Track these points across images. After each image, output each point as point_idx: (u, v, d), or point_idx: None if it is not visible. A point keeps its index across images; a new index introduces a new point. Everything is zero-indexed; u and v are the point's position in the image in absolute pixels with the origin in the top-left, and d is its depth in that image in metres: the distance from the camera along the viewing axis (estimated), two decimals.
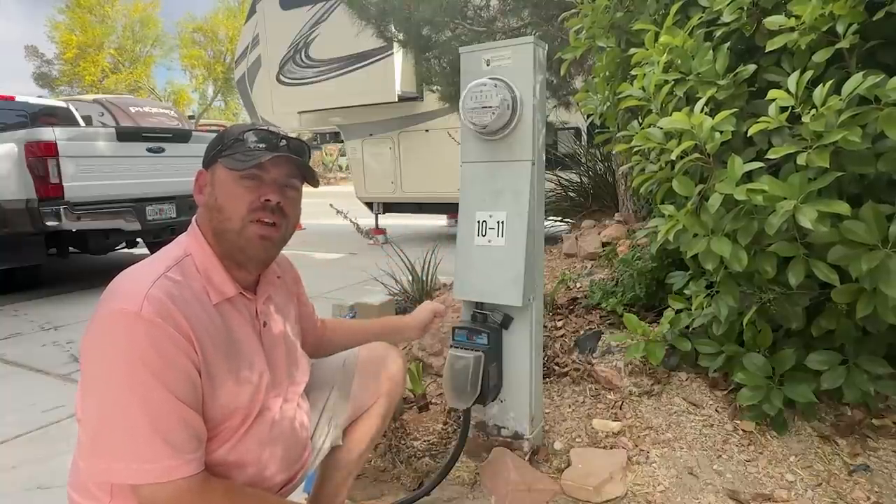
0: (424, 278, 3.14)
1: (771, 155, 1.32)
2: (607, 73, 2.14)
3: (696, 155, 1.45)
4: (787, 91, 1.31)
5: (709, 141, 1.40)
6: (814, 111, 1.24)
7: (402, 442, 1.87)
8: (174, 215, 5.09)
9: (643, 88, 1.66)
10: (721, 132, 1.41)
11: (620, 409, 1.89)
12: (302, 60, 7.15)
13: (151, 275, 0.94)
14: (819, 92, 1.24)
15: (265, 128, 1.07)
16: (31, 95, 6.58)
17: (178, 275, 0.97)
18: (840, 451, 1.62)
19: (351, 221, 3.43)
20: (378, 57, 6.36)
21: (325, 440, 1.32)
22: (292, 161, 1.05)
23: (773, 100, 1.33)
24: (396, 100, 6.51)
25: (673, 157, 1.47)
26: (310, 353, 1.34)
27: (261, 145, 1.03)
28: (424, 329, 1.62)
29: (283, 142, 1.06)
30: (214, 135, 1.13)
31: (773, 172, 1.39)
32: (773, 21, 1.38)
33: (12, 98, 5.73)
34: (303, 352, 1.26)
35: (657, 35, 1.65)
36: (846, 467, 1.57)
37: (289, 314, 1.23)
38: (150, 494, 0.87)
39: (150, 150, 4.93)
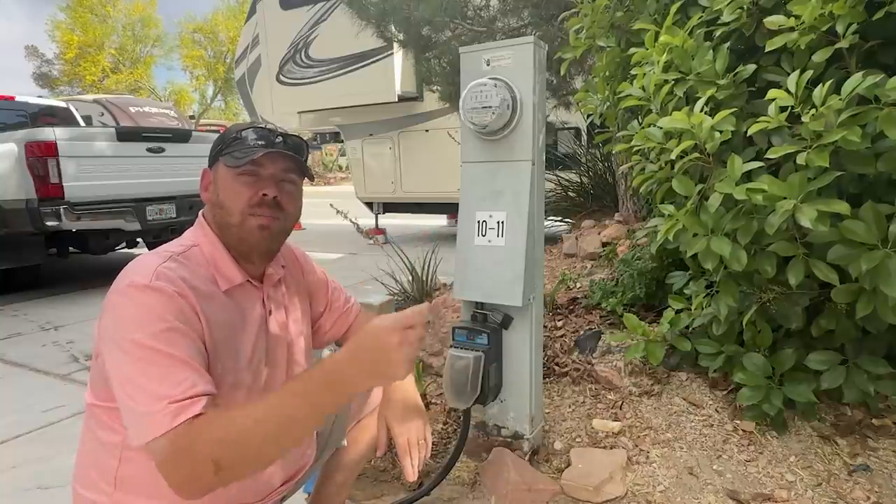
0: (424, 278, 3.14)
1: (771, 154, 1.32)
2: (607, 73, 2.14)
3: (696, 154, 1.45)
4: (787, 91, 1.31)
5: (708, 140, 1.40)
6: (813, 111, 1.24)
7: None
8: (174, 215, 5.09)
9: (643, 88, 1.66)
10: (721, 132, 1.41)
11: (620, 409, 1.89)
12: (302, 60, 7.15)
13: (161, 258, 0.97)
14: (819, 92, 1.24)
15: (263, 125, 1.09)
16: (31, 95, 6.58)
17: (186, 259, 1.00)
18: (840, 451, 1.62)
19: (351, 221, 3.43)
20: (378, 57, 6.36)
21: (327, 441, 1.32)
22: (288, 156, 1.07)
23: (773, 99, 1.33)
24: (396, 100, 6.50)
25: (673, 156, 1.47)
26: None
27: (259, 142, 1.06)
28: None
29: (280, 138, 1.08)
30: (215, 134, 1.15)
31: (773, 172, 1.39)
32: (773, 21, 1.38)
33: (12, 98, 5.73)
34: (305, 350, 1.25)
35: (657, 35, 1.65)
36: (846, 467, 1.57)
37: (295, 308, 1.23)
38: (155, 447, 0.84)
39: (150, 150, 4.93)
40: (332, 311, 1.35)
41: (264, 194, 1.04)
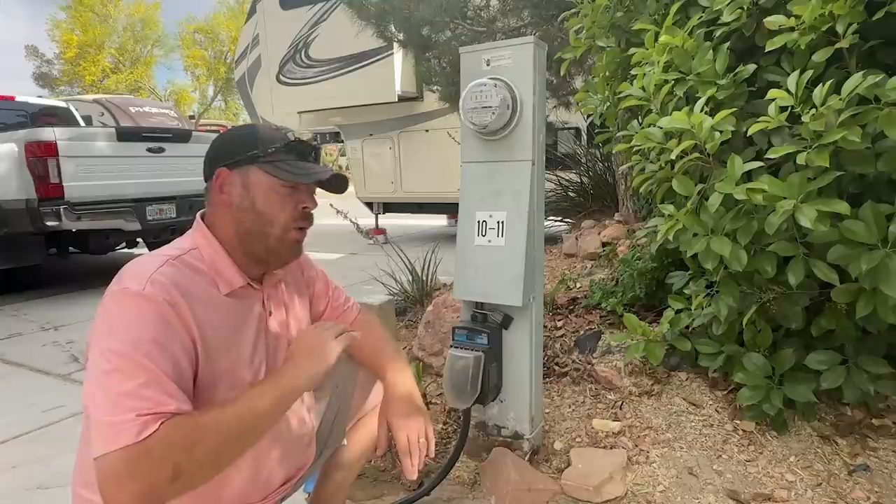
0: (424, 278, 3.14)
1: (771, 154, 1.32)
2: (607, 73, 2.14)
3: (696, 154, 1.45)
4: (787, 91, 1.31)
5: (708, 140, 1.40)
6: (813, 111, 1.24)
7: None
8: (174, 215, 5.09)
9: (643, 88, 1.66)
10: (721, 132, 1.41)
11: (620, 409, 1.89)
12: (302, 60, 7.15)
13: (158, 262, 0.96)
14: (819, 92, 1.24)
15: (299, 137, 1.09)
16: (31, 95, 6.58)
17: (183, 264, 0.99)
18: (840, 451, 1.62)
19: (351, 221, 3.43)
20: (378, 57, 6.36)
21: (327, 440, 1.32)
22: (339, 176, 1.09)
23: (773, 99, 1.33)
24: (396, 100, 6.50)
25: (673, 156, 1.47)
26: None
27: (309, 158, 1.09)
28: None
29: (313, 152, 1.11)
30: (215, 135, 1.15)
31: (773, 172, 1.39)
32: (773, 21, 1.38)
33: (12, 98, 5.73)
34: None
35: (657, 35, 1.65)
36: (846, 467, 1.57)
37: (295, 307, 1.23)
38: (109, 461, 0.82)
39: (150, 150, 4.92)
40: (334, 309, 1.36)
41: (304, 207, 1.06)
